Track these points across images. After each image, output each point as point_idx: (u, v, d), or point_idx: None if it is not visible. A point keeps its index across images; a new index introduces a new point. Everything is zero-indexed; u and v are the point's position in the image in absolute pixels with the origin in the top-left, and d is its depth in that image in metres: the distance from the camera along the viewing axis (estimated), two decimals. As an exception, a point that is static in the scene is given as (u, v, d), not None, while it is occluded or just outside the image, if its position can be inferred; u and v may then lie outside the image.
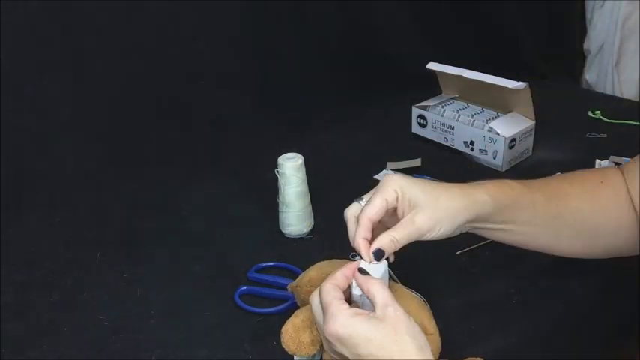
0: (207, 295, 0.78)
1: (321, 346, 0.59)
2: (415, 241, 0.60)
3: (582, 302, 0.75)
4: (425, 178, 1.03)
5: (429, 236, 0.58)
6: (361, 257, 0.58)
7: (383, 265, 0.58)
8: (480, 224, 0.62)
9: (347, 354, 0.50)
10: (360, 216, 0.59)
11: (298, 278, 0.70)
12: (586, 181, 0.67)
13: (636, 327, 0.75)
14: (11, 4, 0.93)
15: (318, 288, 0.55)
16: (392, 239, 0.57)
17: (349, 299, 0.56)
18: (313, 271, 0.68)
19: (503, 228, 0.63)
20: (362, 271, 0.56)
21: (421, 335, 0.51)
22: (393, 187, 0.59)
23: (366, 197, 0.61)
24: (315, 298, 0.55)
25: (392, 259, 0.60)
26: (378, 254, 0.57)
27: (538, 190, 0.65)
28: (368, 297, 0.53)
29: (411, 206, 0.58)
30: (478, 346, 0.67)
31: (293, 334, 0.59)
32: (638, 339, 0.75)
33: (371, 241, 0.58)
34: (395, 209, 0.60)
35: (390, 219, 0.60)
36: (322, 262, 0.70)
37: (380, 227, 0.60)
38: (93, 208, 1.00)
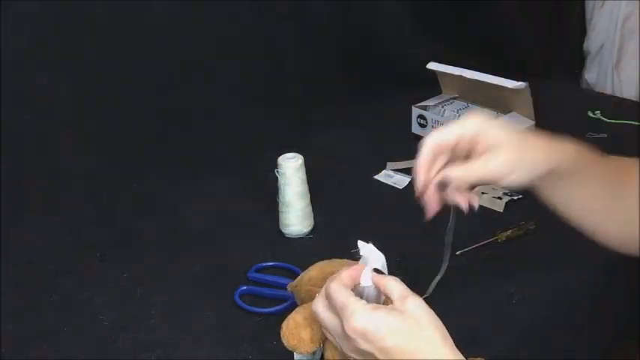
0: (207, 295, 0.78)
1: (323, 342, 0.59)
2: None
3: (582, 302, 0.75)
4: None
5: (503, 182, 0.55)
6: (359, 254, 0.57)
7: (381, 256, 0.58)
8: (552, 178, 0.59)
9: (372, 349, 0.49)
10: (425, 139, 0.55)
11: (298, 278, 0.70)
12: None
13: (636, 327, 0.75)
14: (11, 4, 0.93)
15: (319, 295, 0.53)
16: (465, 172, 0.53)
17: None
18: (314, 271, 0.68)
19: (571, 190, 0.60)
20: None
21: (442, 324, 0.50)
22: (476, 121, 0.55)
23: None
24: (319, 305, 0.53)
25: (477, 204, 0.56)
26: (442, 184, 0.53)
27: (610, 163, 0.62)
28: (385, 292, 0.52)
29: (493, 145, 0.54)
30: (478, 346, 0.67)
31: (294, 329, 0.59)
32: (638, 339, 0.75)
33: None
34: (468, 152, 0.56)
35: (457, 161, 0.56)
36: (322, 262, 0.70)
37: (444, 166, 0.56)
38: (93, 208, 1.00)
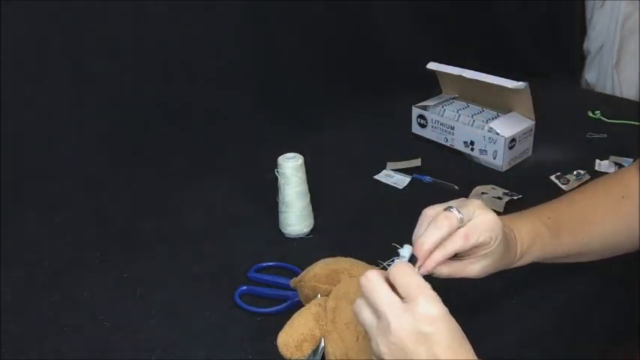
0: (207, 295, 0.78)
1: (325, 339, 0.59)
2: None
3: (582, 302, 0.75)
4: (425, 179, 1.03)
5: (492, 243, 0.58)
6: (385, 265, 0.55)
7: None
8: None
9: (424, 355, 0.47)
10: (436, 249, 0.55)
11: (302, 274, 0.70)
12: (609, 197, 0.68)
13: (636, 327, 0.75)
14: (11, 4, 0.93)
15: (358, 297, 0.51)
16: (465, 234, 0.55)
17: None
18: (318, 268, 0.68)
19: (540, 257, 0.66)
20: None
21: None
22: (489, 232, 0.56)
23: (456, 207, 0.56)
24: (365, 313, 0.50)
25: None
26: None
27: (566, 231, 0.66)
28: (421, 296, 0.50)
29: (478, 247, 0.57)
30: (478, 346, 0.67)
31: (285, 340, 0.60)
32: (638, 339, 0.75)
33: None
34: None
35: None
36: (327, 259, 0.70)
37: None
38: (93, 208, 1.00)
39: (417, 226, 0.57)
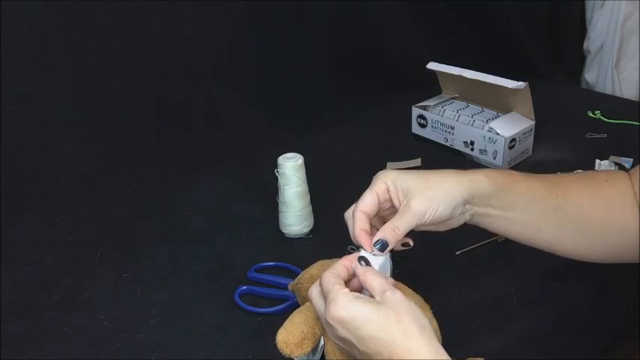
0: (207, 295, 0.78)
1: (325, 339, 0.59)
2: (417, 240, 0.60)
3: (582, 302, 0.75)
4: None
5: (428, 218, 0.59)
6: (360, 249, 0.59)
7: (384, 256, 0.59)
8: (480, 208, 0.62)
9: (350, 337, 0.51)
10: (354, 211, 0.61)
11: (299, 276, 0.70)
12: (589, 179, 0.67)
13: (636, 327, 0.75)
14: (11, 4, 0.93)
15: (317, 280, 0.56)
16: (392, 228, 0.58)
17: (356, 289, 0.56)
18: (315, 269, 0.68)
19: (504, 215, 0.62)
20: (363, 259, 0.57)
21: (421, 315, 0.51)
22: (383, 179, 0.61)
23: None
24: (314, 290, 0.56)
25: (412, 243, 0.61)
26: (382, 245, 0.58)
27: (538, 180, 0.64)
28: (365, 287, 0.54)
29: (405, 194, 0.60)
30: (478, 346, 0.67)
31: (285, 338, 0.60)
32: (638, 339, 0.75)
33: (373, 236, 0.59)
34: (392, 203, 0.61)
35: (390, 214, 0.62)
36: (324, 260, 0.70)
37: (382, 223, 0.61)
38: (93, 208, 1.00)
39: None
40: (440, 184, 0.60)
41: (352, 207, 0.62)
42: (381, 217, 0.63)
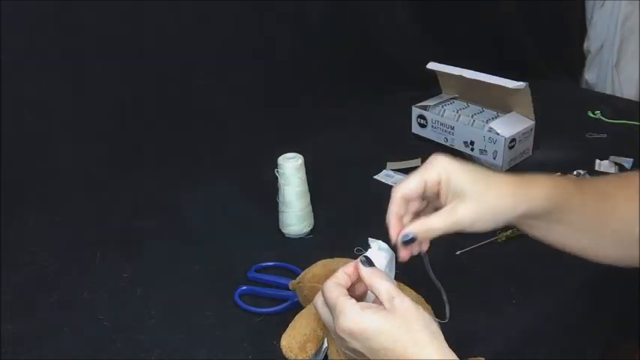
0: (207, 295, 0.78)
1: (328, 341, 0.59)
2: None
3: (582, 302, 0.75)
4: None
5: (470, 229, 0.54)
6: (364, 251, 0.58)
7: (388, 253, 0.58)
8: (526, 220, 0.58)
9: (361, 348, 0.49)
10: (392, 190, 0.56)
11: (301, 275, 0.70)
12: (633, 185, 0.61)
13: (636, 327, 0.75)
14: (11, 4, 0.93)
15: (320, 291, 0.54)
16: (428, 228, 0.54)
17: (358, 297, 0.55)
18: (317, 268, 0.68)
19: (548, 227, 0.59)
20: (366, 259, 0.54)
21: (431, 321, 0.49)
22: (438, 169, 0.54)
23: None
24: (318, 300, 0.54)
25: (425, 247, 0.57)
26: (408, 239, 0.54)
27: (589, 191, 0.60)
28: (372, 292, 0.52)
29: (456, 194, 0.54)
30: (478, 346, 0.67)
31: (289, 342, 0.60)
32: (639, 339, 0.75)
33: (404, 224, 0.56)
34: (438, 196, 0.56)
35: (429, 206, 0.58)
36: (325, 260, 0.70)
37: (422, 207, 0.57)
38: (93, 208, 1.00)
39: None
40: (495, 204, 0.54)
41: (400, 183, 0.56)
42: (426, 200, 0.58)
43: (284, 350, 0.59)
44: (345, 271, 0.54)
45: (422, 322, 0.48)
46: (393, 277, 0.61)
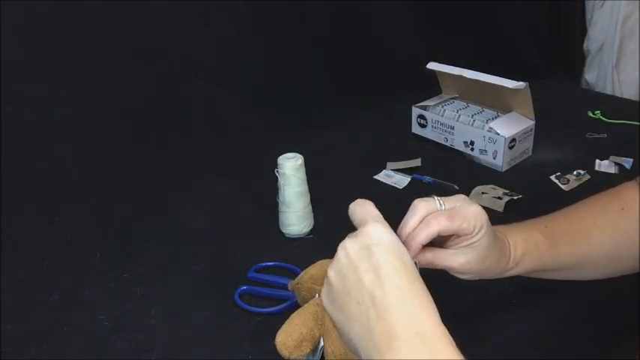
0: (207, 295, 0.78)
1: (324, 338, 0.59)
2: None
3: (582, 302, 0.75)
4: (425, 179, 1.03)
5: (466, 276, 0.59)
6: None
7: None
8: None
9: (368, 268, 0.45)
10: (413, 233, 0.55)
11: (299, 276, 0.70)
12: (607, 211, 0.66)
13: (636, 327, 0.75)
14: (11, 4, 0.93)
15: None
16: (449, 215, 0.54)
17: None
18: (314, 269, 0.68)
19: (529, 275, 0.65)
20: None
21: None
22: (473, 220, 0.55)
23: (446, 203, 0.57)
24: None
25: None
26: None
27: (563, 241, 0.64)
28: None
29: (466, 239, 0.56)
30: (478, 346, 0.67)
31: (284, 339, 0.60)
32: (638, 339, 0.75)
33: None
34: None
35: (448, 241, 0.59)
36: (323, 260, 0.70)
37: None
38: (93, 208, 1.00)
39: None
40: (499, 266, 0.60)
41: (429, 202, 0.57)
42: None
43: (278, 347, 0.59)
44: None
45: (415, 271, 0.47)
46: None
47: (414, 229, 0.55)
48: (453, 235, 0.57)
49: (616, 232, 0.65)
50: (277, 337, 0.60)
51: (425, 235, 0.54)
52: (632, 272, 0.67)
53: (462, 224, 0.54)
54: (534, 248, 0.62)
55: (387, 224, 0.49)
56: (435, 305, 0.45)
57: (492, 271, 0.60)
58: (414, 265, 0.46)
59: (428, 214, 0.55)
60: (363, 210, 0.52)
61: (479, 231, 0.55)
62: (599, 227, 0.65)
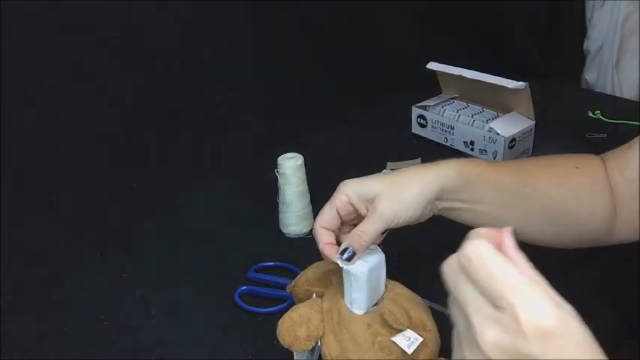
0: (207, 295, 0.78)
1: (321, 339, 0.59)
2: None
3: (582, 302, 0.75)
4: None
5: (397, 221, 0.57)
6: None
7: (377, 256, 0.58)
8: (448, 203, 0.60)
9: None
10: (313, 228, 0.61)
11: (295, 279, 0.70)
12: (559, 165, 0.65)
13: (636, 327, 0.75)
14: (11, 4, 0.93)
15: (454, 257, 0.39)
16: (359, 233, 0.57)
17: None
18: (310, 271, 0.68)
19: (471, 207, 0.61)
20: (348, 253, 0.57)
21: None
22: (344, 191, 0.59)
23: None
24: (455, 269, 0.40)
25: (379, 240, 0.59)
26: (348, 254, 0.56)
27: (506, 170, 0.63)
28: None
29: (369, 199, 0.58)
30: (478, 346, 0.67)
31: (290, 327, 0.59)
32: (638, 339, 0.75)
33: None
34: (357, 213, 0.60)
35: (359, 222, 0.60)
36: (319, 262, 0.70)
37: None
38: (93, 208, 1.00)
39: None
40: (408, 186, 0.58)
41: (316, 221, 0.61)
42: (353, 226, 0.61)
43: (289, 339, 0.59)
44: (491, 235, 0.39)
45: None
46: (384, 279, 0.61)
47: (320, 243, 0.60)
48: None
49: (565, 185, 0.63)
50: (297, 331, 0.59)
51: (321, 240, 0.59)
52: (594, 245, 0.64)
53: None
54: (474, 165, 0.61)
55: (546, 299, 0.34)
56: None
57: (422, 192, 0.58)
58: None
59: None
60: (493, 273, 0.34)
61: (357, 198, 0.58)
62: (548, 176, 0.63)
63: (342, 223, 0.61)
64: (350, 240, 0.57)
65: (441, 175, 0.59)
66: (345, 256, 0.56)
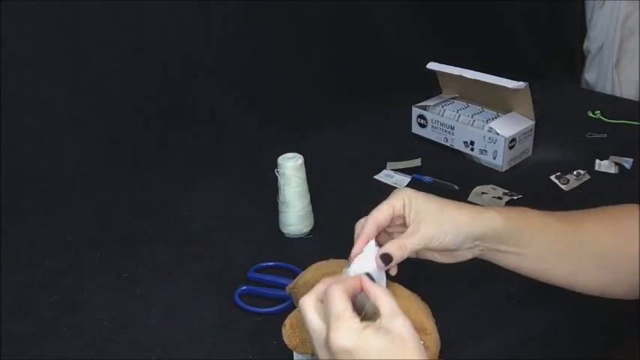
0: (207, 295, 0.78)
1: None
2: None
3: (582, 302, 0.75)
4: (425, 179, 1.03)
5: (435, 244, 0.59)
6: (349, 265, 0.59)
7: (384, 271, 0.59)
8: (491, 244, 0.61)
9: None
10: (367, 219, 0.61)
11: (295, 280, 0.70)
12: (604, 213, 0.64)
13: (636, 327, 0.75)
14: (11, 4, 0.93)
15: (313, 291, 0.52)
16: (400, 245, 0.58)
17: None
18: (309, 273, 0.68)
19: (517, 251, 0.62)
20: (369, 276, 0.55)
21: (423, 348, 0.49)
22: (401, 195, 0.62)
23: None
24: (310, 302, 0.51)
25: (394, 272, 0.61)
26: (386, 259, 0.58)
27: (553, 216, 0.63)
28: (375, 304, 0.52)
29: (417, 215, 0.60)
30: (478, 346, 0.67)
31: (296, 329, 0.59)
32: (638, 339, 0.75)
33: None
34: (404, 221, 0.61)
35: (398, 232, 0.62)
36: (319, 263, 0.70)
37: (387, 239, 0.61)
38: (93, 208, 1.00)
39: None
40: (453, 216, 0.60)
41: (365, 217, 0.62)
42: (389, 233, 0.63)
43: (288, 334, 0.59)
44: (354, 283, 0.53)
45: (418, 346, 0.48)
46: (385, 279, 0.61)
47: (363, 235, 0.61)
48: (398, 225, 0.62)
49: (613, 230, 0.62)
50: (303, 333, 0.59)
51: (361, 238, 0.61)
52: (628, 297, 0.62)
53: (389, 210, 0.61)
54: (520, 211, 0.62)
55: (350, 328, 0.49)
56: None
57: (465, 226, 0.60)
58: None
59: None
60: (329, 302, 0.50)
61: (409, 207, 0.60)
62: (595, 221, 0.63)
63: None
64: (391, 247, 0.59)
65: (486, 217, 0.61)
66: (384, 260, 0.58)
